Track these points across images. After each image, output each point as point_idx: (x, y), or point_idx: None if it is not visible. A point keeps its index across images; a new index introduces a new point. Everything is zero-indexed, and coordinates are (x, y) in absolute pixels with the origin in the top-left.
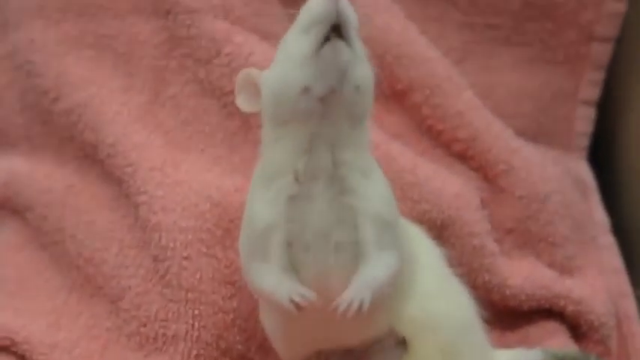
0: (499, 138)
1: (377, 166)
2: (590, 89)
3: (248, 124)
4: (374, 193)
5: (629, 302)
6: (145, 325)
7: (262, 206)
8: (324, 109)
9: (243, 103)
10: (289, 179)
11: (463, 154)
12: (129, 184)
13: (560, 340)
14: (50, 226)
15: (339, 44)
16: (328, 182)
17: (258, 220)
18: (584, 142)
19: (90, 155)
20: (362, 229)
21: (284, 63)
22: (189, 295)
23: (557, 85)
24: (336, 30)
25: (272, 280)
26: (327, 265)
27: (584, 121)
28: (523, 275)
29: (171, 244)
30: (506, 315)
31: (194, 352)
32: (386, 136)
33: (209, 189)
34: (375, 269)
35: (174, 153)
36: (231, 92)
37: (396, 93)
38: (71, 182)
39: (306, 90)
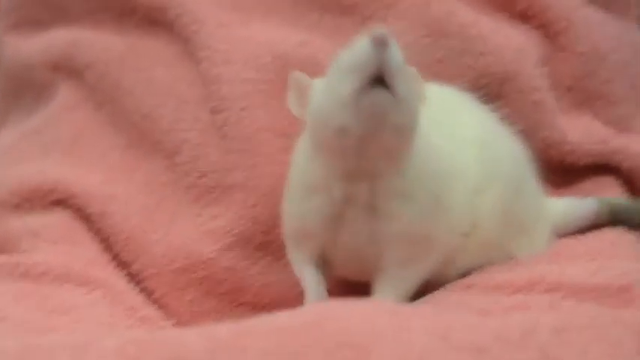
0: None
1: (419, 183)
2: None
3: None
4: (407, 215)
5: None
6: (201, 177)
7: (300, 216)
8: (361, 148)
9: (292, 104)
10: (324, 200)
11: (524, 14)
12: (194, 40)
13: (614, 193)
14: (108, 83)
15: (380, 94)
16: (364, 208)
17: (296, 224)
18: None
19: (156, 19)
20: (390, 250)
21: (326, 98)
22: (246, 145)
23: None
24: (379, 77)
25: (300, 267)
26: (358, 265)
27: None
28: (581, 131)
29: (231, 95)
30: (562, 171)
31: (250, 202)
32: None
33: (273, 42)
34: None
35: (242, 15)
36: None
37: None
38: (131, 42)
39: (342, 130)
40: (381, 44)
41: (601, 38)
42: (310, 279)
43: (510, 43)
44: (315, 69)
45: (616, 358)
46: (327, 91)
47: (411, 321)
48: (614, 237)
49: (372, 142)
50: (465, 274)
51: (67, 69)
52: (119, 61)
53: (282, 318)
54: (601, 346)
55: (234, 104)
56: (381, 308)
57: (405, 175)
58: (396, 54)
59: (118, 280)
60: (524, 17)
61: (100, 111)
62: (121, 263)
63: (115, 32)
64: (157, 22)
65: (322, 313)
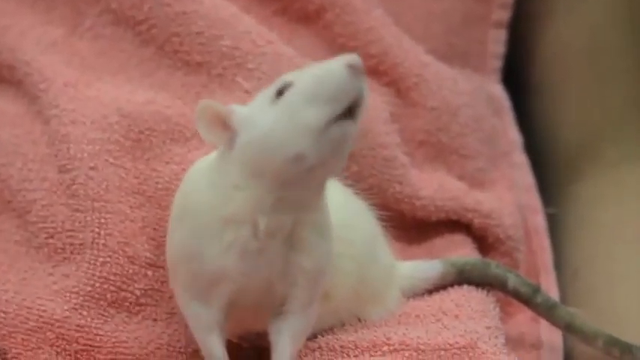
0: (410, 52)
1: (329, 220)
2: (501, 11)
3: (162, 50)
4: (320, 250)
5: (540, 218)
6: (52, 237)
7: (216, 254)
8: (308, 176)
9: (204, 133)
10: (247, 233)
11: (375, 70)
12: (42, 99)
13: (465, 251)
14: None
15: (351, 126)
16: (283, 241)
17: (211, 268)
18: (497, 64)
19: (4, 78)
20: (298, 286)
21: (282, 124)
22: (95, 204)
23: (468, 7)
24: (351, 107)
25: (203, 333)
26: (260, 306)
27: (496, 43)
28: (434, 187)
29: (79, 155)
30: (413, 228)
31: (100, 260)
32: (297, 53)
33: (119, 102)
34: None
35: (89, 74)
36: (144, 21)
37: (308, 15)
38: None
39: (299, 158)
40: (359, 73)
41: (452, 93)
42: (214, 348)
43: None
44: (162, 125)
45: None
46: (283, 117)
47: None
48: (459, 296)
49: (322, 170)
50: (311, 337)
51: None
52: None
53: None
54: None
55: (82, 164)
56: None
57: (321, 210)
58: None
59: None
60: (374, 74)
61: None
62: None
63: None
64: (4, 81)
65: None
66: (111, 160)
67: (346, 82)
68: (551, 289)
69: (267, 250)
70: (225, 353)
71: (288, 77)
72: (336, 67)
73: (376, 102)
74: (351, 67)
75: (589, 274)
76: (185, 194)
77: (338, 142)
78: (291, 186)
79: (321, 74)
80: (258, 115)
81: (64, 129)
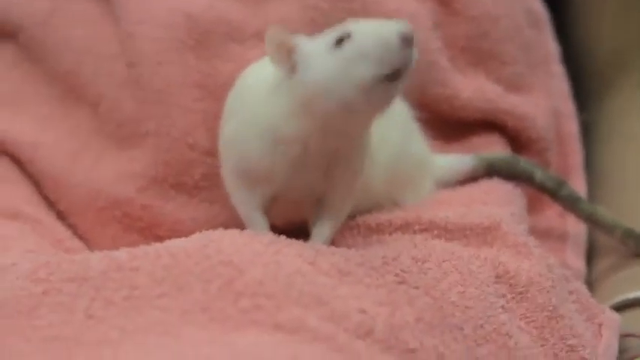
0: None
1: (370, 140)
2: None
3: None
4: (358, 164)
5: (573, 124)
6: (120, 126)
7: (266, 160)
8: (356, 117)
9: (271, 55)
10: (296, 153)
11: None
12: (113, 0)
13: (499, 149)
14: (36, 44)
15: (396, 88)
16: (328, 155)
17: (258, 169)
18: None
19: None
20: (336, 189)
21: (336, 74)
22: (160, 96)
23: None
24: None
25: (248, 211)
26: (301, 201)
27: None
28: (473, 89)
29: (146, 51)
30: (451, 127)
31: (163, 146)
32: None
33: (184, 4)
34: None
35: None
36: None
37: None
38: (58, 5)
39: (346, 107)
40: (409, 45)
41: (493, 3)
42: (258, 224)
43: (405, 8)
44: (222, 26)
45: (470, 285)
46: (338, 67)
47: (285, 248)
48: (488, 186)
49: (366, 116)
50: (350, 217)
51: (4, 32)
52: (42, 23)
53: (174, 243)
54: (457, 276)
55: (149, 59)
56: (260, 237)
57: (365, 137)
58: (415, 52)
59: (47, 217)
60: None
61: (36, 68)
62: (50, 203)
63: None
64: None
65: (207, 238)
66: (175, 57)
67: (397, 50)
68: (580, 189)
69: (312, 164)
70: (268, 227)
71: (349, 27)
72: (390, 34)
73: (420, 11)
74: (404, 38)
75: (616, 179)
76: (243, 98)
77: (382, 98)
78: (338, 124)
79: (377, 36)
80: (317, 58)
81: (132, 28)
